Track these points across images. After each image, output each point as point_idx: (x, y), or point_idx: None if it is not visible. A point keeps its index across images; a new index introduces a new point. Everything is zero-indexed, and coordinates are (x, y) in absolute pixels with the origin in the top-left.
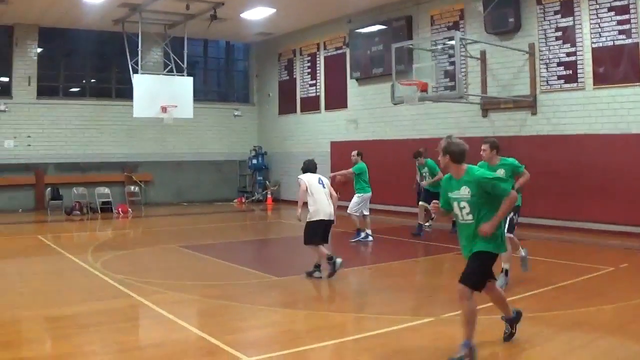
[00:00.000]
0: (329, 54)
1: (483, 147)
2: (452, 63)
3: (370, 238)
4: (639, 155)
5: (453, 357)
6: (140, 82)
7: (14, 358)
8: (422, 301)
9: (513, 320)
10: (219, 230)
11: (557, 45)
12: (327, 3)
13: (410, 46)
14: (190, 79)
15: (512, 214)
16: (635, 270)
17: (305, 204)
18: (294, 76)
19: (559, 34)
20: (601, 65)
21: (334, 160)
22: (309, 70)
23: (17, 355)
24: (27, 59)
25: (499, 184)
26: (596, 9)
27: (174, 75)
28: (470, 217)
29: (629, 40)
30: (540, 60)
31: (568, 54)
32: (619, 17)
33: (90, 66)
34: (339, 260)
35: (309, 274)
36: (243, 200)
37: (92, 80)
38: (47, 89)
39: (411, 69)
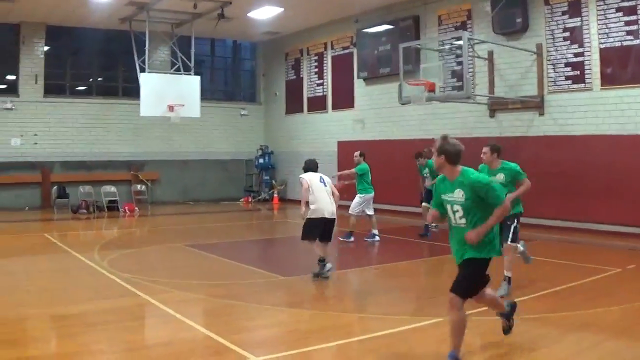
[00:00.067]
0: (336, 53)
1: (484, 149)
2: (460, 63)
3: (377, 238)
4: None
5: None
6: (147, 81)
7: (20, 357)
8: (428, 302)
9: (509, 314)
10: (225, 229)
11: (564, 45)
12: (334, 3)
13: (418, 46)
14: (198, 77)
15: (515, 222)
16: None
17: (308, 202)
18: (301, 75)
19: (567, 34)
20: (609, 66)
21: (340, 160)
22: (316, 69)
23: (23, 354)
24: (34, 57)
25: (493, 191)
26: (604, 10)
27: (181, 74)
28: (463, 221)
29: (637, 41)
30: (548, 60)
31: (575, 55)
32: (626, 18)
33: (97, 65)
34: (329, 265)
35: (317, 274)
36: (249, 200)
37: (99, 79)
38: (54, 87)
39: (418, 69)
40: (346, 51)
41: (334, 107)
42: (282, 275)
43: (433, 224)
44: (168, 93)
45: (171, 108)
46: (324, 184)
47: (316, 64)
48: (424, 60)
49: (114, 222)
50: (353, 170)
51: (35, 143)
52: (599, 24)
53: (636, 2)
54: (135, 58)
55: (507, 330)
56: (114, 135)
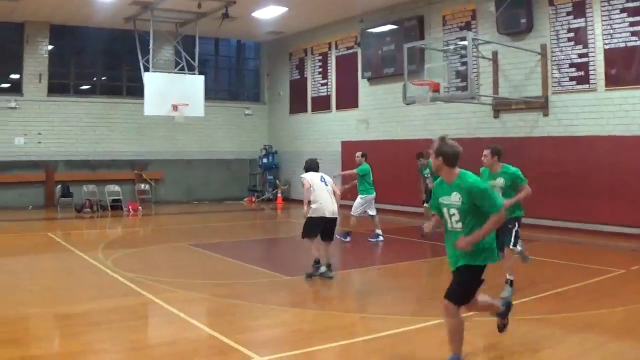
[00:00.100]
0: (340, 53)
1: (484, 152)
2: (464, 63)
3: (381, 238)
4: None
5: None
6: (151, 80)
7: (24, 356)
8: (431, 302)
9: (504, 313)
10: (228, 228)
11: (569, 46)
12: (338, 2)
13: (422, 46)
14: (202, 77)
15: (516, 227)
16: None
17: (310, 201)
18: (305, 75)
19: (571, 35)
20: (613, 67)
21: (344, 160)
22: (320, 69)
23: (27, 353)
24: (37, 56)
25: (489, 198)
26: (608, 11)
27: (185, 73)
28: (459, 225)
29: None
30: (552, 61)
31: (580, 55)
32: (631, 19)
33: (101, 64)
34: (323, 268)
35: (322, 274)
36: (253, 199)
37: (103, 78)
38: (58, 87)
39: (423, 69)
40: (350, 51)
41: (338, 107)
42: (286, 275)
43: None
44: (172, 92)
45: (175, 107)
46: (325, 183)
47: (320, 63)
48: (429, 61)
49: (118, 221)
50: (354, 170)
51: (39, 142)
52: (603, 25)
53: None
54: (140, 57)
55: (501, 328)
56: (117, 134)
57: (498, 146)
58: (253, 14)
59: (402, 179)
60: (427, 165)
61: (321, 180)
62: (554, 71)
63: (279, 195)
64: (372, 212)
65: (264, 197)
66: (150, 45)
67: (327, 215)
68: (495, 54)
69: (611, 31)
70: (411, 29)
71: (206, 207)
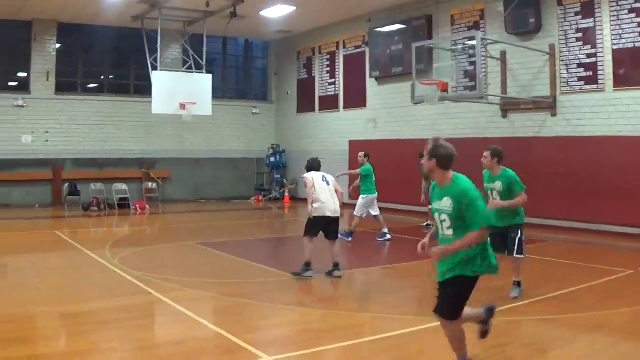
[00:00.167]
0: (348, 52)
1: (485, 153)
2: (472, 63)
3: (388, 237)
4: None
5: None
6: (159, 79)
7: (31, 355)
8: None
9: (486, 319)
10: (236, 227)
11: (577, 46)
12: (346, 2)
13: (431, 46)
14: (209, 76)
15: (519, 234)
16: None
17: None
18: (313, 74)
19: (580, 35)
20: (621, 67)
21: (352, 159)
22: (328, 68)
23: (34, 352)
24: (45, 55)
25: (475, 211)
26: (617, 11)
27: (192, 72)
28: (450, 232)
29: None
30: (561, 61)
31: (588, 56)
32: (639, 20)
33: (109, 62)
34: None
35: (297, 274)
36: (260, 198)
37: (111, 77)
38: (66, 85)
39: (431, 69)
40: (358, 50)
41: (346, 107)
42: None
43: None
44: (180, 91)
45: (183, 106)
46: (327, 182)
47: (328, 63)
48: (437, 60)
49: (125, 219)
50: (357, 170)
51: (47, 140)
52: (612, 25)
53: None
54: (147, 56)
55: (484, 334)
56: (125, 133)
57: (499, 148)
58: (261, 13)
59: (409, 178)
60: None
61: (323, 180)
62: (563, 71)
63: (286, 194)
64: (375, 212)
65: (271, 196)
66: (158, 44)
67: (329, 214)
68: (503, 53)
69: (620, 31)
70: (419, 29)
71: (214, 206)
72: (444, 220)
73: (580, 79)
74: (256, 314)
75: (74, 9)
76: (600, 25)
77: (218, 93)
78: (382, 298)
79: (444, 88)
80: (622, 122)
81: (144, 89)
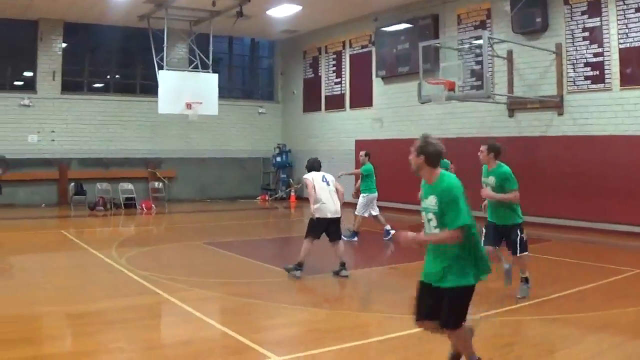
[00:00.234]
0: (355, 52)
1: (481, 148)
2: (479, 62)
3: (393, 231)
4: None
5: None
6: (165, 78)
7: (36, 355)
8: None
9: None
10: (242, 227)
11: (584, 45)
12: (353, 1)
13: (437, 45)
14: (216, 75)
15: (520, 234)
16: None
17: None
18: (319, 74)
19: (586, 34)
20: (628, 66)
21: (358, 159)
22: (334, 68)
23: (40, 352)
24: (51, 54)
25: (454, 210)
26: (623, 10)
27: (199, 71)
28: (437, 231)
29: None
30: (567, 60)
31: (595, 55)
32: None
33: (115, 62)
34: (298, 273)
35: (288, 270)
36: (266, 198)
37: (117, 76)
38: (72, 84)
39: (437, 68)
40: (365, 50)
41: (352, 106)
42: (303, 274)
43: None
44: (186, 91)
45: (189, 106)
46: (327, 183)
47: (334, 62)
48: (443, 59)
49: (131, 219)
50: (358, 170)
51: (53, 140)
52: (618, 24)
53: None
54: (154, 55)
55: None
56: (131, 132)
57: (497, 143)
58: (267, 12)
59: (416, 177)
60: None
61: (323, 180)
62: (569, 70)
63: (292, 193)
64: (375, 211)
65: (277, 195)
66: (165, 44)
67: (330, 215)
68: (510, 53)
69: (626, 30)
70: (426, 28)
71: (220, 206)
72: (431, 219)
73: (586, 78)
74: (263, 314)
75: (80, 8)
76: (606, 24)
77: (224, 93)
78: (388, 298)
79: (451, 87)
80: (628, 121)
81: (150, 89)
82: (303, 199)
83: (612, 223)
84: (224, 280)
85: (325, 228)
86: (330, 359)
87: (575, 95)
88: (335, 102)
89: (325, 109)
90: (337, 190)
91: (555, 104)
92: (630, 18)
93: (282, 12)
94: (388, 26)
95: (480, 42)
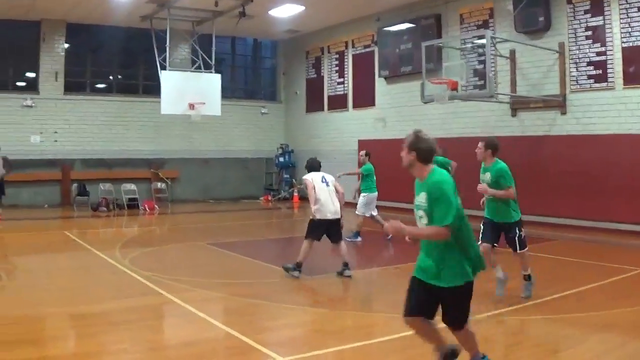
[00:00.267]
0: (357, 52)
1: (479, 144)
2: (482, 62)
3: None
4: None
5: None
6: (168, 79)
7: (40, 356)
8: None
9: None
10: (245, 227)
11: (587, 44)
12: (355, 1)
13: (440, 44)
14: (218, 76)
15: (519, 232)
16: None
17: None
18: (322, 74)
19: (589, 33)
20: (631, 65)
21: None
22: (337, 68)
23: (44, 353)
24: (54, 55)
25: (442, 206)
26: (626, 9)
27: (201, 72)
28: None
29: None
30: (570, 59)
31: (598, 54)
32: None
33: (118, 62)
34: (297, 273)
35: (286, 269)
36: (269, 198)
37: (119, 77)
38: (74, 85)
39: (440, 68)
40: (367, 50)
41: (355, 106)
42: (304, 275)
43: None
44: (189, 91)
45: (192, 106)
46: (327, 183)
47: (337, 62)
48: (446, 59)
49: (134, 220)
50: (358, 170)
51: (56, 140)
52: (621, 23)
53: None
54: (156, 56)
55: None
56: (134, 133)
57: (495, 140)
58: (270, 13)
59: None
60: (434, 160)
61: (322, 181)
62: (572, 69)
63: (295, 194)
64: (374, 212)
65: (280, 196)
66: (167, 44)
67: (330, 216)
68: (513, 52)
69: (629, 29)
70: (428, 28)
71: (223, 206)
72: (422, 217)
73: (589, 77)
74: (267, 315)
75: (83, 9)
76: (609, 23)
77: (227, 93)
78: (391, 298)
79: (454, 87)
80: (632, 120)
81: (153, 89)
82: (306, 199)
83: (615, 222)
84: (228, 280)
85: (326, 229)
86: (337, 359)
87: (578, 94)
88: (338, 102)
89: (328, 109)
90: (336, 191)
91: (559, 103)
92: (633, 17)
93: (284, 12)
94: (390, 26)
95: (482, 41)
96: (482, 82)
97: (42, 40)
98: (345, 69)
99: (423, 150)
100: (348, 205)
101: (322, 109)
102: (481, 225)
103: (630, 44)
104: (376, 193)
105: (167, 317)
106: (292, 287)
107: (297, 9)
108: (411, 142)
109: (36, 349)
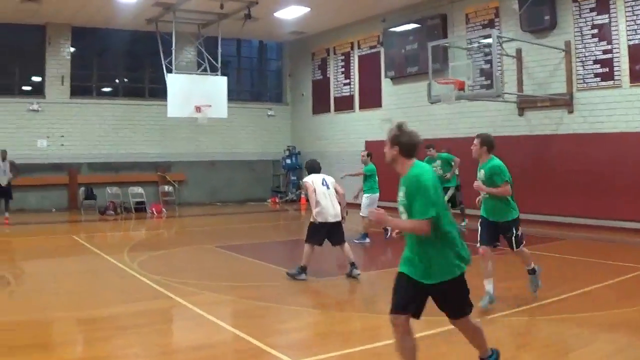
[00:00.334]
0: (363, 53)
1: (474, 141)
2: (488, 61)
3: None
4: None
5: None
6: (174, 82)
7: None
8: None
9: None
10: (253, 230)
11: (593, 42)
12: (360, 2)
13: (446, 44)
14: (225, 78)
15: (516, 231)
16: None
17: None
18: (328, 75)
19: (595, 31)
20: (637, 63)
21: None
22: (343, 69)
23: (52, 359)
24: (60, 59)
25: (421, 199)
26: (632, 6)
27: (207, 74)
28: None
29: None
30: (577, 58)
31: (604, 52)
32: None
33: (123, 66)
34: (304, 275)
35: (291, 276)
36: (277, 200)
37: (125, 80)
38: (80, 89)
39: (446, 68)
40: (373, 50)
41: (361, 107)
42: (313, 277)
43: (462, 224)
44: (195, 94)
45: (198, 109)
46: (327, 186)
47: (343, 63)
48: (452, 59)
49: (142, 223)
50: (361, 170)
51: (62, 144)
52: (627, 21)
53: None
54: (162, 59)
55: None
56: (140, 136)
57: (490, 136)
58: (275, 14)
59: None
60: (436, 157)
61: (323, 184)
62: (579, 68)
63: (303, 195)
64: None
65: (287, 198)
66: (173, 47)
67: (331, 220)
68: (519, 51)
69: (635, 27)
70: (434, 28)
71: (230, 209)
72: (402, 213)
73: (596, 75)
74: (275, 317)
75: (88, 12)
76: (615, 21)
77: (233, 95)
78: None
79: (461, 87)
80: (639, 118)
81: (159, 92)
82: None
83: (623, 220)
84: (236, 283)
85: (327, 233)
86: None
87: (585, 92)
88: (345, 103)
89: (335, 110)
90: (337, 192)
91: (565, 102)
92: (638, 14)
93: (290, 14)
94: (396, 27)
95: (488, 41)
96: (488, 81)
97: (48, 44)
98: (351, 70)
99: (405, 144)
100: (350, 206)
101: (329, 111)
102: (478, 225)
103: (636, 42)
104: (378, 194)
105: (177, 321)
106: (299, 290)
107: (302, 11)
108: (394, 136)
109: (45, 354)
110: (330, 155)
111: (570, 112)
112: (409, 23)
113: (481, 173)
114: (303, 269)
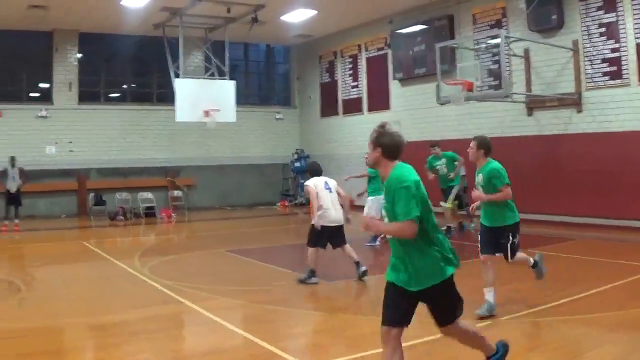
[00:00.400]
0: (371, 55)
1: (471, 144)
2: (496, 62)
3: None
4: None
5: None
6: (182, 87)
7: None
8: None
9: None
10: (263, 234)
11: (600, 41)
12: (367, 4)
13: (454, 45)
14: (233, 82)
15: (512, 238)
16: None
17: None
18: (335, 78)
19: (603, 30)
20: None
21: None
22: (351, 71)
23: None
24: (67, 65)
25: (401, 202)
26: (639, 4)
27: (215, 79)
28: None
29: None
30: (585, 57)
31: (612, 50)
32: None
33: (131, 71)
34: (315, 279)
35: (302, 281)
36: (286, 204)
37: (133, 85)
38: (88, 95)
39: (454, 69)
40: (380, 52)
41: (370, 109)
42: (324, 280)
43: (471, 225)
44: (203, 98)
45: (207, 113)
46: (330, 189)
47: (350, 66)
48: (460, 60)
49: (152, 228)
50: (365, 172)
51: (71, 150)
52: (634, 19)
53: None
54: (169, 64)
55: None
56: (149, 141)
57: (486, 138)
58: (282, 18)
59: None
60: (441, 155)
61: (325, 187)
62: (587, 67)
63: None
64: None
65: (296, 201)
66: (180, 52)
67: (333, 224)
68: (526, 51)
69: None
70: (441, 29)
71: (240, 213)
72: (385, 217)
73: (604, 74)
74: (288, 321)
75: (95, 18)
76: (622, 20)
77: (241, 99)
78: None
79: (469, 88)
80: None
81: (167, 97)
82: None
83: (633, 220)
84: (248, 287)
85: (329, 237)
86: None
87: (593, 92)
88: (353, 106)
89: (343, 113)
90: (339, 194)
91: (574, 102)
92: None
93: (296, 17)
94: (403, 28)
95: (496, 41)
96: (497, 82)
97: (55, 51)
98: (359, 73)
99: (387, 145)
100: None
101: (337, 113)
102: (479, 234)
103: None
104: (382, 195)
105: (188, 326)
106: (310, 293)
107: (309, 14)
108: (376, 138)
109: None
110: (339, 158)
111: (579, 111)
112: (416, 24)
113: (479, 177)
114: (312, 273)
